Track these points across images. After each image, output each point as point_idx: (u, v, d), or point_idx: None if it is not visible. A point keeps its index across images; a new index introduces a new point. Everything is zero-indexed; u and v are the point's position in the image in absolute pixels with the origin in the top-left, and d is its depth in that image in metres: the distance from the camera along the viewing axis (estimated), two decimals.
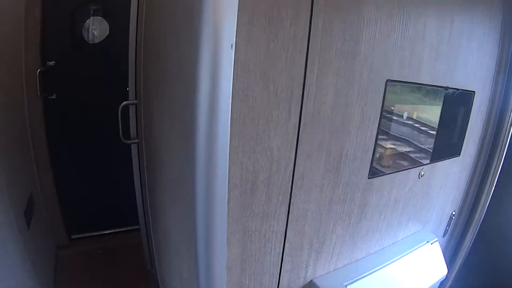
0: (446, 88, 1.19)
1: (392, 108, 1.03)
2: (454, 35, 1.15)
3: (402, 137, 1.12)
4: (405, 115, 1.10)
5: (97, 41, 2.10)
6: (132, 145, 1.71)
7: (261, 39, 0.69)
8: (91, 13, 2.06)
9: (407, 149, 1.15)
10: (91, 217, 2.35)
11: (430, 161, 1.26)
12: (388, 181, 1.10)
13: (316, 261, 1.03)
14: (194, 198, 0.69)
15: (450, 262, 1.81)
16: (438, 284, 1.45)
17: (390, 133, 1.04)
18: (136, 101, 1.58)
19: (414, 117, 1.15)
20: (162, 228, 1.27)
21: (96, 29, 2.09)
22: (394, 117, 1.05)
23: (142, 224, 1.84)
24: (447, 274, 1.78)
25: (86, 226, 2.36)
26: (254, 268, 0.90)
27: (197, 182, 0.68)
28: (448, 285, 1.84)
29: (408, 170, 1.17)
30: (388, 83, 0.94)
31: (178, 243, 0.99)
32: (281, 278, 0.97)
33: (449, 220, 1.66)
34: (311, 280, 1.05)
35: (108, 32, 2.10)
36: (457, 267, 1.81)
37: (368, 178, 1.01)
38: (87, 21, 2.05)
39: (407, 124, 1.12)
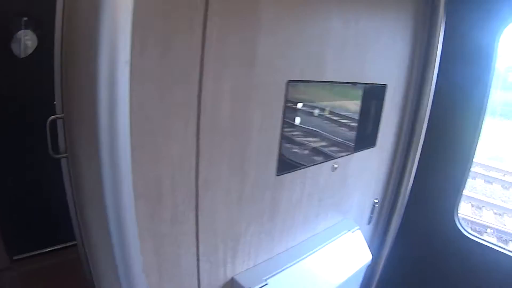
0: (354, 83, 1.28)
1: (304, 105, 1.11)
2: (360, 34, 1.23)
3: (314, 133, 1.19)
4: (317, 112, 1.18)
5: (24, 55, 2.04)
6: (62, 159, 1.69)
7: (156, 53, 0.73)
8: (22, 25, 2.00)
9: (319, 144, 1.23)
10: (32, 236, 2.27)
11: (343, 154, 1.34)
12: (299, 176, 1.16)
13: (234, 259, 1.08)
14: (105, 209, 0.72)
15: (379, 248, 1.93)
16: (364, 270, 1.55)
17: (301, 130, 1.12)
18: (63, 115, 1.56)
19: (326, 113, 1.24)
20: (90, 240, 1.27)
21: (26, 42, 2.03)
22: (305, 115, 1.13)
23: (78, 238, 1.82)
24: (376, 260, 1.91)
25: (27, 245, 2.28)
26: (171, 271, 0.93)
27: (105, 194, 0.70)
28: (379, 270, 1.97)
29: (321, 164, 1.24)
30: (290, 83, 1.00)
31: (102, 255, 1.01)
32: (200, 277, 1.01)
33: (372, 208, 1.77)
34: (232, 278, 1.09)
35: (36, 45, 2.05)
36: (386, 253, 1.93)
37: (277, 175, 1.07)
38: (17, 33, 1.99)
39: (319, 120, 1.20)
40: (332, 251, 1.36)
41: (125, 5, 0.60)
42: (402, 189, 1.79)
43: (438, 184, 1.82)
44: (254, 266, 1.16)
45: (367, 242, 1.83)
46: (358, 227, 1.53)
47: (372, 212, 1.80)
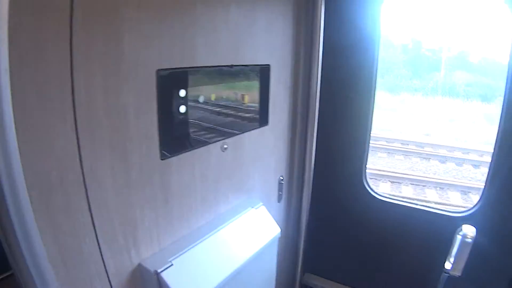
0: (231, 66, 1.43)
1: (189, 90, 1.24)
2: (232, 17, 1.39)
3: (200, 116, 1.33)
4: (202, 96, 1.32)
5: None
6: None
7: (29, 56, 0.83)
8: None
9: (205, 126, 1.37)
10: None
11: (232, 134, 1.51)
12: (186, 159, 1.30)
13: (137, 245, 1.19)
14: (5, 205, 0.82)
15: (297, 223, 2.17)
16: (276, 244, 1.74)
17: (185, 114, 1.25)
18: None
19: (213, 97, 1.39)
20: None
21: None
22: (190, 100, 1.26)
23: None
24: (297, 234, 2.15)
25: None
26: (76, 260, 1.02)
27: (3, 191, 0.81)
28: (301, 243, 2.20)
29: (207, 146, 1.39)
30: (161, 72, 1.13)
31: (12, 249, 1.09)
32: (106, 265, 1.10)
33: (279, 186, 2.02)
34: (139, 263, 1.21)
35: None
36: (304, 227, 2.17)
37: (161, 159, 1.20)
38: None
39: (204, 104, 1.35)
40: (236, 228, 1.52)
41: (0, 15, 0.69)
42: (307, 164, 2.02)
43: (342, 153, 2.08)
44: (160, 250, 1.28)
45: (283, 218, 2.05)
46: (262, 203, 1.71)
47: (280, 190, 2.02)
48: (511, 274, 1.94)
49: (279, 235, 1.73)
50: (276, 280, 2.14)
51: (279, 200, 2.04)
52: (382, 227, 2.12)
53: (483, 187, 1.84)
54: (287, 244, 2.28)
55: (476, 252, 1.83)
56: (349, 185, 2.12)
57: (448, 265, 1.71)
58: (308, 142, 1.99)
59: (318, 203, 2.20)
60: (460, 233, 1.65)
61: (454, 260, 1.70)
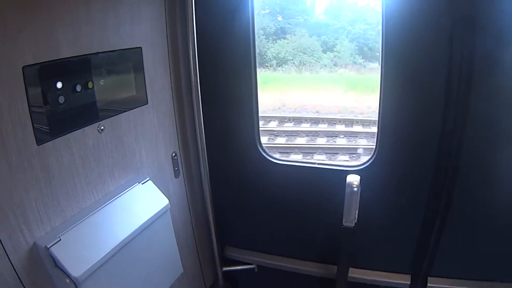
0: (97, 53, 1.77)
1: (56, 81, 1.58)
2: (95, 7, 1.71)
3: (71, 103, 1.66)
4: (78, 87, 1.69)
5: None
6: None
7: None
8: None
9: (78, 111, 1.71)
10: None
11: (106, 116, 1.87)
12: (62, 143, 1.65)
13: (28, 225, 1.55)
14: None
15: (202, 197, 2.64)
16: (167, 216, 2.16)
17: (56, 102, 1.59)
18: None
19: (85, 85, 1.72)
20: None
21: None
22: (59, 89, 1.59)
23: None
24: (203, 208, 2.62)
25: None
26: None
27: None
28: (211, 216, 2.68)
29: (82, 129, 1.74)
30: (27, 68, 1.46)
31: None
32: (4, 245, 1.46)
33: (173, 161, 2.46)
34: (34, 242, 1.58)
35: None
36: (209, 199, 2.64)
37: (38, 145, 1.55)
38: None
39: (74, 91, 1.66)
40: (123, 203, 1.93)
41: None
42: (198, 137, 2.46)
43: (232, 122, 2.54)
44: (52, 229, 1.64)
45: (186, 193, 2.50)
46: (149, 178, 2.14)
47: (176, 165, 2.45)
48: (404, 222, 2.54)
49: (168, 207, 2.16)
50: (200, 257, 2.72)
51: (176, 175, 2.48)
52: (283, 190, 2.64)
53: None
54: (202, 219, 2.76)
55: (372, 203, 2.38)
56: (245, 152, 2.60)
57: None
58: (196, 116, 2.42)
59: (218, 174, 2.67)
60: (346, 183, 2.11)
61: (344, 211, 2.18)
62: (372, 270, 2.75)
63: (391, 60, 2.17)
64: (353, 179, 2.08)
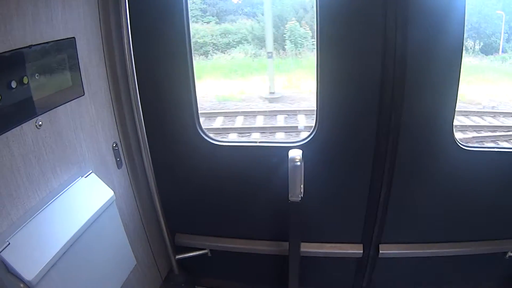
0: (30, 46, 1.77)
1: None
2: (24, 4, 1.71)
3: (5, 100, 1.65)
4: (13, 83, 1.66)
5: None
6: None
7: None
8: None
9: (13, 109, 1.71)
10: None
11: (42, 111, 1.87)
12: (1, 143, 1.65)
13: None
14: None
15: (147, 186, 2.71)
16: (113, 207, 2.22)
17: None
18: None
19: (25, 82, 1.73)
20: None
21: None
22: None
23: None
24: (149, 196, 2.69)
25: None
26: None
27: None
28: (158, 204, 2.76)
29: (19, 126, 1.74)
30: None
31: None
32: None
33: (114, 152, 2.49)
34: None
35: None
36: (155, 187, 2.71)
37: None
38: None
39: (8, 88, 1.66)
40: (68, 199, 1.96)
41: None
42: (138, 126, 2.51)
43: (171, 108, 2.61)
44: (0, 234, 1.64)
45: (130, 183, 2.57)
46: (91, 171, 2.18)
47: (117, 156, 2.49)
48: (351, 193, 2.72)
49: (114, 198, 2.21)
50: (151, 248, 2.81)
51: (119, 166, 2.53)
52: (227, 171, 2.74)
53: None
54: (150, 208, 2.83)
55: (317, 177, 2.53)
56: (185, 136, 2.68)
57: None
58: (134, 105, 2.46)
59: (161, 162, 2.74)
60: (289, 158, 2.22)
61: (289, 186, 2.30)
62: (324, 243, 2.93)
63: (326, 36, 2.31)
64: (295, 154, 2.17)
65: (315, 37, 2.36)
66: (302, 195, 2.31)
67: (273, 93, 10.57)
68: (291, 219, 2.46)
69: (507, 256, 2.97)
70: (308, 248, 2.88)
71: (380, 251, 2.87)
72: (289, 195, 2.31)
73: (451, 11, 2.23)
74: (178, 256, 3.04)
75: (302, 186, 2.29)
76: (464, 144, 2.58)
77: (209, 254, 3.05)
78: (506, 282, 3.18)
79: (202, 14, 11.89)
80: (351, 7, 2.22)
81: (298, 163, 2.20)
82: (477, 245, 2.92)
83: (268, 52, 10.82)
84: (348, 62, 2.36)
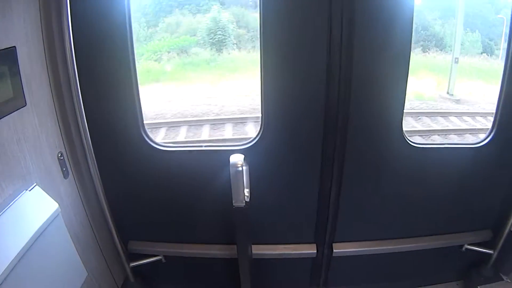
0: None
1: None
2: None
3: None
4: None
5: None
6: None
7: None
8: None
9: None
10: None
11: None
12: None
13: None
14: None
15: (96, 194, 2.72)
16: (59, 219, 2.21)
17: None
18: None
19: None
20: None
21: None
22: None
23: None
24: (99, 205, 2.70)
25: None
26: None
27: None
28: (107, 214, 2.77)
29: None
30: None
31: None
32: None
33: (60, 162, 2.49)
34: None
35: None
36: (102, 193, 2.72)
37: None
38: None
39: None
40: (12, 215, 1.95)
41: None
42: (82, 134, 2.52)
43: (114, 113, 2.63)
44: None
45: (78, 193, 2.60)
46: (35, 184, 2.17)
47: (63, 166, 2.50)
48: (301, 193, 2.83)
49: (59, 211, 2.20)
50: (105, 257, 2.85)
51: (65, 176, 2.53)
52: (173, 176, 2.79)
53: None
54: (100, 217, 2.85)
55: (265, 179, 2.61)
56: (130, 142, 2.70)
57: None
58: (78, 113, 2.47)
59: (108, 169, 2.76)
60: (230, 164, 2.29)
61: (232, 191, 2.35)
62: (277, 244, 3.02)
63: (270, 36, 2.39)
64: (237, 159, 2.23)
65: (259, 37, 2.43)
66: (248, 199, 2.39)
67: (452, 95, 11.16)
68: (236, 223, 2.52)
69: (463, 248, 3.16)
70: (261, 250, 2.96)
71: (334, 250, 2.98)
72: (233, 201, 2.37)
73: (400, 9, 2.34)
74: (132, 264, 3.06)
75: (247, 190, 2.38)
76: (413, 141, 2.73)
77: (163, 260, 3.11)
78: (463, 275, 3.39)
79: None
80: (296, 4, 2.30)
81: (240, 169, 2.26)
82: (432, 239, 3.09)
83: (455, 58, 11.30)
84: (293, 63, 2.44)
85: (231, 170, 2.27)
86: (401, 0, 2.33)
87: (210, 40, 11.54)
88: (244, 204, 2.38)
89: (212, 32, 11.43)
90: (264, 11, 2.33)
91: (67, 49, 2.31)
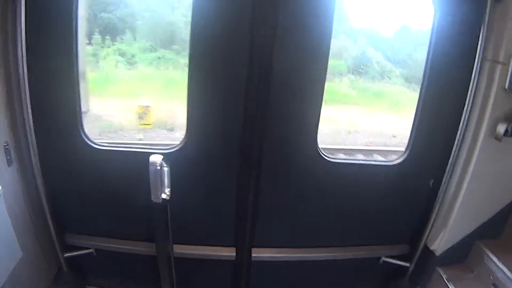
0: None
1: None
2: None
3: None
4: None
5: None
6: None
7: None
8: None
9: None
10: None
11: None
12: None
13: None
14: None
15: (35, 184, 2.97)
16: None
17: None
18: None
19: None
20: None
21: None
22: None
23: None
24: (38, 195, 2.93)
25: None
26: None
27: None
28: (45, 204, 3.01)
29: None
30: None
31: None
32: None
33: (5, 151, 2.75)
34: None
35: None
36: (42, 187, 2.98)
37: None
38: None
39: None
40: None
41: None
42: (27, 126, 2.80)
43: (56, 110, 2.88)
44: None
45: (20, 182, 2.85)
46: None
47: (8, 155, 2.76)
48: (221, 197, 3.08)
49: (1, 192, 2.47)
50: (40, 245, 3.07)
51: (9, 164, 2.79)
52: (108, 173, 3.01)
53: None
54: (39, 206, 3.06)
55: (188, 181, 2.87)
56: (69, 139, 2.93)
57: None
58: (24, 106, 2.74)
59: (49, 162, 3.01)
60: (149, 162, 2.56)
61: (151, 188, 2.63)
62: (198, 245, 3.25)
63: (197, 55, 2.70)
64: (155, 159, 2.49)
65: (189, 50, 2.69)
66: (167, 197, 2.67)
67: None
68: (155, 220, 2.78)
69: (381, 261, 3.48)
70: (183, 250, 3.19)
71: (253, 254, 3.20)
72: (152, 197, 2.64)
73: (317, 28, 2.67)
74: (66, 255, 3.22)
75: (168, 189, 2.67)
76: (328, 155, 3.05)
77: (95, 254, 3.26)
78: (381, 286, 3.71)
79: None
80: (221, 21, 2.62)
81: (158, 167, 2.55)
82: (349, 250, 3.39)
83: None
84: (215, 85, 2.75)
85: (150, 168, 2.55)
86: (319, 36, 2.68)
87: None
88: (161, 201, 2.65)
89: None
90: (193, 31, 2.63)
91: (18, 44, 2.58)
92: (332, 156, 3.10)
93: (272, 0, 2.52)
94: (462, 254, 3.54)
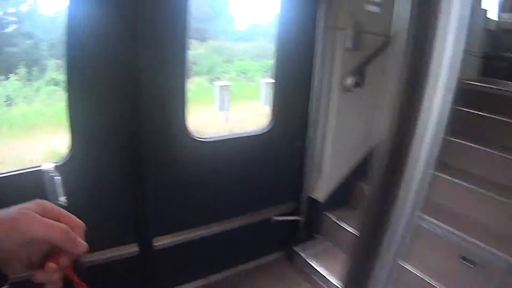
0: None
1: None
2: None
3: None
4: None
5: None
6: None
7: None
8: None
9: None
10: None
11: None
12: None
13: None
14: None
15: None
16: None
17: None
18: None
19: None
20: None
21: None
22: None
23: None
24: None
25: None
26: None
27: None
28: None
29: None
30: None
31: None
32: None
33: None
34: None
35: None
36: None
37: None
38: None
39: None
40: None
41: None
42: None
43: None
44: None
45: None
46: None
47: None
48: (114, 200, 3.17)
49: None
50: None
51: None
52: None
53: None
54: None
55: (80, 189, 2.91)
56: None
57: None
58: None
59: None
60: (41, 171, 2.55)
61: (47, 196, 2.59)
62: (102, 250, 3.29)
63: (76, 67, 2.68)
64: (47, 167, 2.54)
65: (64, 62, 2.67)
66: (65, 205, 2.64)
67: None
68: None
69: (273, 221, 3.84)
70: (89, 257, 3.15)
71: (155, 244, 3.39)
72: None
73: (175, 25, 2.88)
74: None
75: (62, 198, 2.63)
76: (200, 137, 3.29)
77: None
78: (283, 243, 4.13)
79: None
80: (99, 24, 2.62)
81: (50, 175, 2.58)
82: (244, 218, 3.69)
83: None
84: (96, 89, 2.80)
85: (43, 176, 2.57)
86: (175, 24, 2.88)
87: None
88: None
89: None
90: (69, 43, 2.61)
91: None
92: (204, 136, 3.34)
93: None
94: (345, 197, 4.09)
